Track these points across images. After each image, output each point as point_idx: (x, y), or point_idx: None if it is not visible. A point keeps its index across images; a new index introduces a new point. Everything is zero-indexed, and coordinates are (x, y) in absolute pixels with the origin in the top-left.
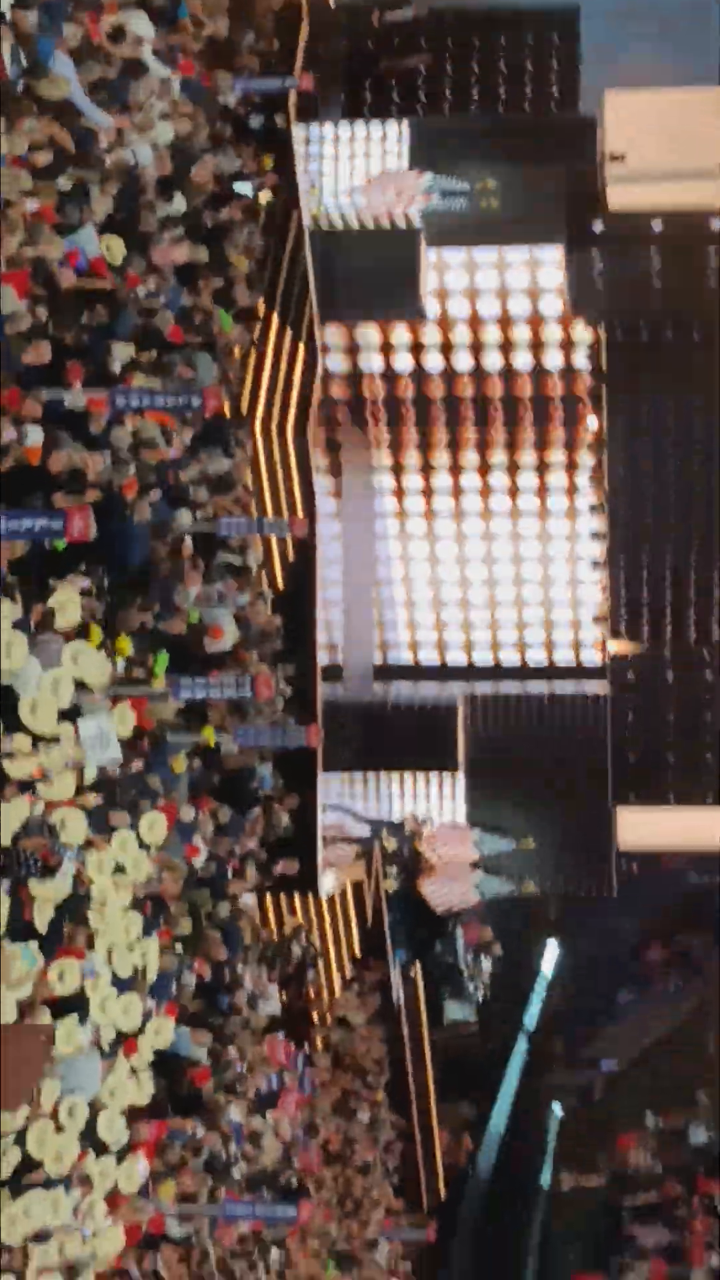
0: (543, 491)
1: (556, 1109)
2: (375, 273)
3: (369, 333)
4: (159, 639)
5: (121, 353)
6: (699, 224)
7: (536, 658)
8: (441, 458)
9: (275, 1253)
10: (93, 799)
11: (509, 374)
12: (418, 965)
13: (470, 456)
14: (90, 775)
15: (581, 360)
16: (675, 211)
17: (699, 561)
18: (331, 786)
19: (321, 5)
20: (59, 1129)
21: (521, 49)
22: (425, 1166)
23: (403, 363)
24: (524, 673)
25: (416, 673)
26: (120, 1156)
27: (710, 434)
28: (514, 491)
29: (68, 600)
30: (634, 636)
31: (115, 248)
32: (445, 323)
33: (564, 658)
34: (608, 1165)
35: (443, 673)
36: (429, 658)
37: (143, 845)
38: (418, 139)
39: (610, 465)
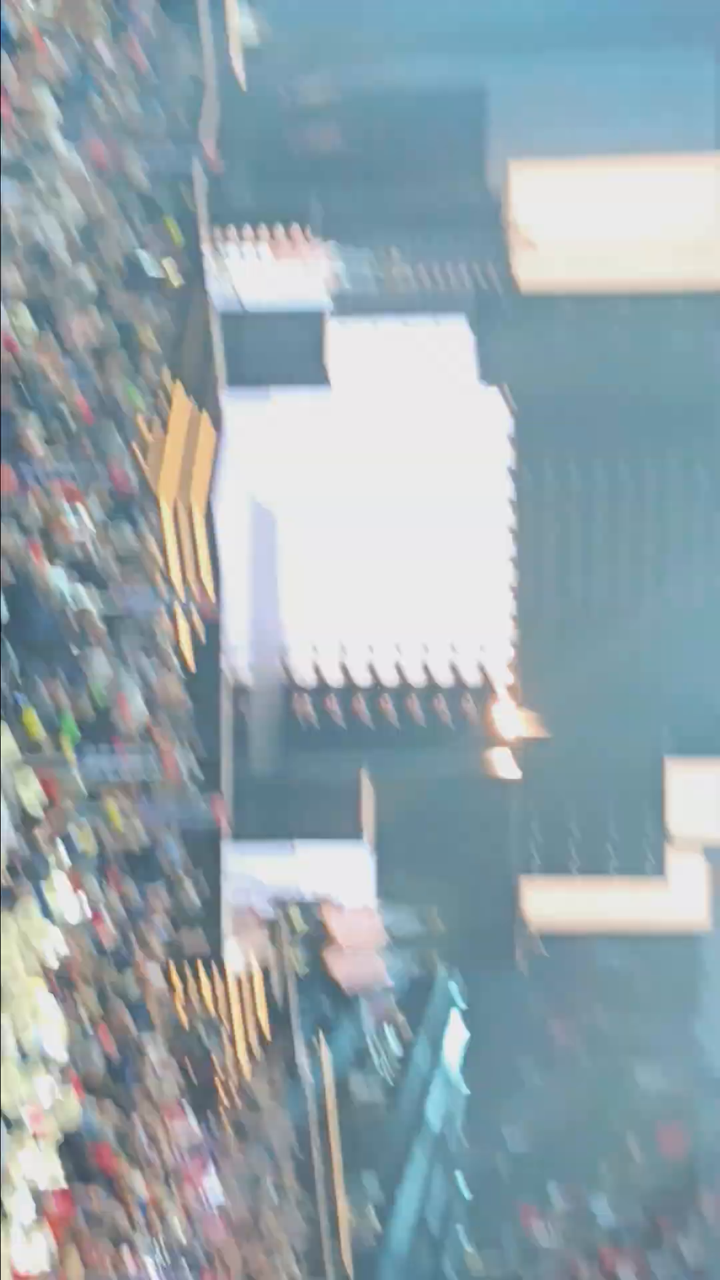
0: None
1: (463, 1187)
2: (282, 346)
3: (278, 406)
4: (68, 715)
5: (32, 428)
6: (605, 297)
7: (449, 732)
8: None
9: None
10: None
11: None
12: (324, 1044)
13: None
14: None
15: (489, 428)
16: (583, 284)
17: (604, 635)
18: (241, 861)
19: (231, 85)
20: None
21: (430, 129)
22: (330, 1243)
23: (313, 435)
24: (436, 745)
25: (329, 745)
26: (26, 1231)
27: (621, 507)
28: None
29: None
30: (541, 712)
31: (23, 321)
32: (352, 393)
33: (476, 733)
34: (514, 1241)
35: (356, 744)
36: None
37: (49, 917)
38: (327, 215)
39: (521, 538)
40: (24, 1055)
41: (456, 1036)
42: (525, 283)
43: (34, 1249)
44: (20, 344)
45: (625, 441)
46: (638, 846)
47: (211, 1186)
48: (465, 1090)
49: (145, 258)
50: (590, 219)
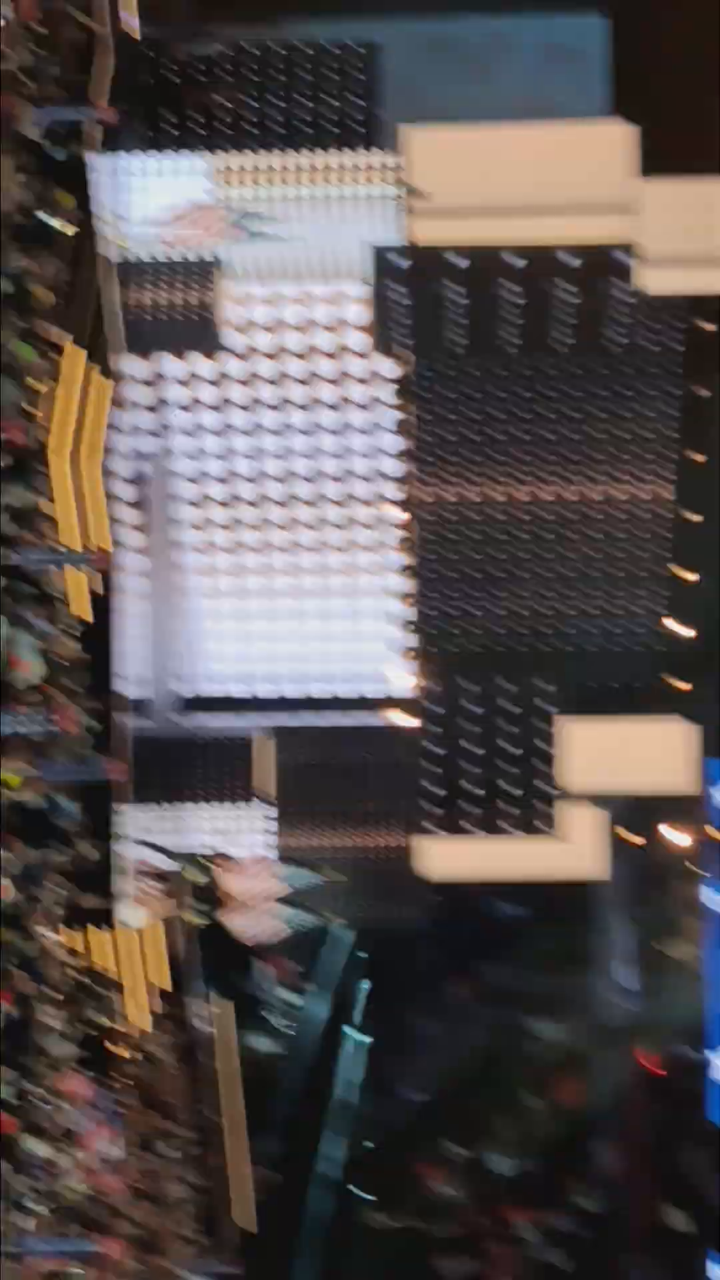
0: (349, 524)
1: (363, 1140)
2: (176, 306)
3: (171, 365)
4: None
5: None
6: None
7: (345, 689)
8: (246, 490)
9: None
10: None
11: (312, 407)
12: (225, 1000)
13: (275, 490)
14: None
15: (386, 392)
16: (476, 246)
17: (503, 589)
18: (137, 820)
19: (126, 38)
20: None
21: (323, 84)
22: (233, 1201)
23: (205, 395)
24: (333, 704)
25: (226, 704)
26: None
27: (516, 460)
28: (320, 525)
29: None
30: (439, 668)
31: None
32: (247, 356)
33: (372, 690)
34: (413, 1194)
35: (253, 704)
36: (239, 689)
37: None
38: (220, 174)
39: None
40: None
41: (355, 989)
42: (420, 242)
43: None
44: None
45: (521, 393)
46: (531, 801)
47: (108, 1145)
48: (364, 1042)
49: (38, 214)
50: (482, 180)
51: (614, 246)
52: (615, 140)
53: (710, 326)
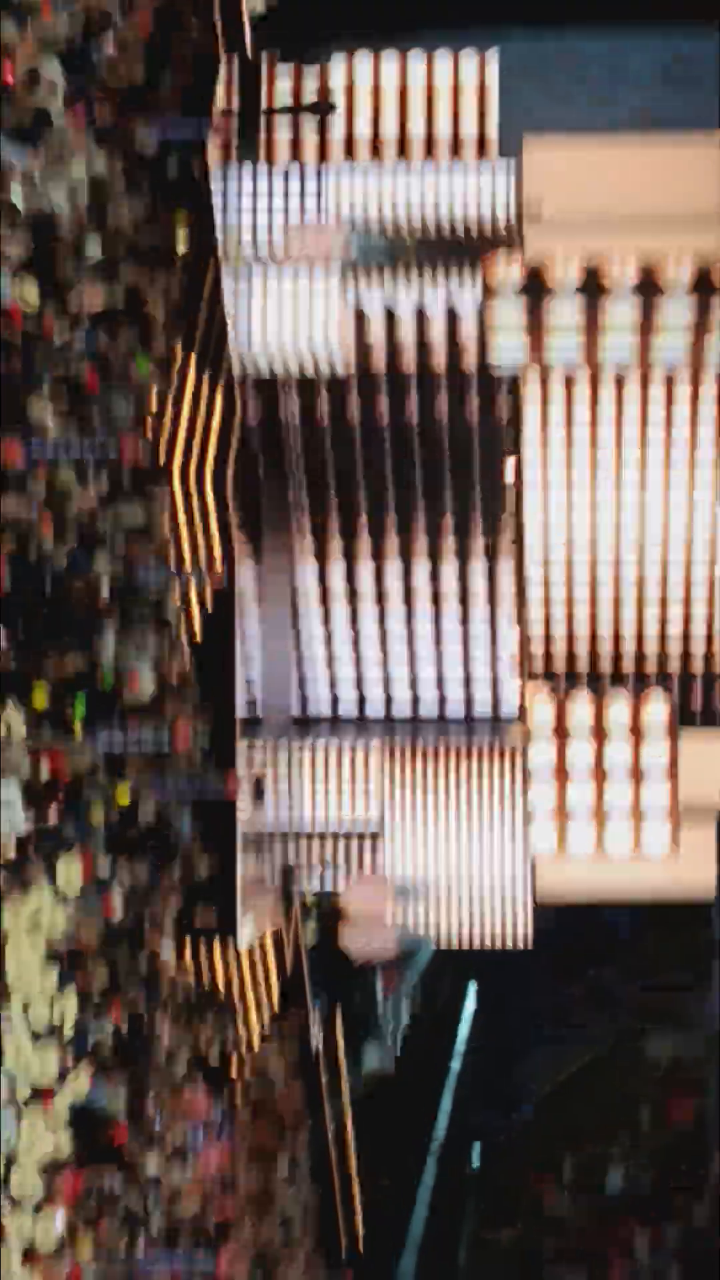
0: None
1: (476, 1156)
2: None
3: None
4: (76, 688)
5: (37, 401)
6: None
7: (454, 710)
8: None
9: None
10: (8, 851)
11: (429, 422)
12: (337, 1014)
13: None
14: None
15: (502, 409)
16: (593, 258)
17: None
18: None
19: (242, 52)
20: None
21: (440, 98)
22: (344, 1216)
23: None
24: (441, 724)
25: (334, 724)
26: (36, 1210)
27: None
28: (436, 551)
29: None
30: (550, 684)
31: (29, 293)
32: (365, 368)
33: (481, 709)
34: (528, 1211)
35: (360, 724)
36: (348, 710)
37: (59, 897)
38: (333, 187)
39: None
40: (34, 1034)
41: (468, 1006)
42: (532, 254)
43: (44, 1229)
44: (25, 314)
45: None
46: (648, 820)
47: (222, 1160)
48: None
49: (155, 228)
50: (599, 193)
51: None
52: None
53: None
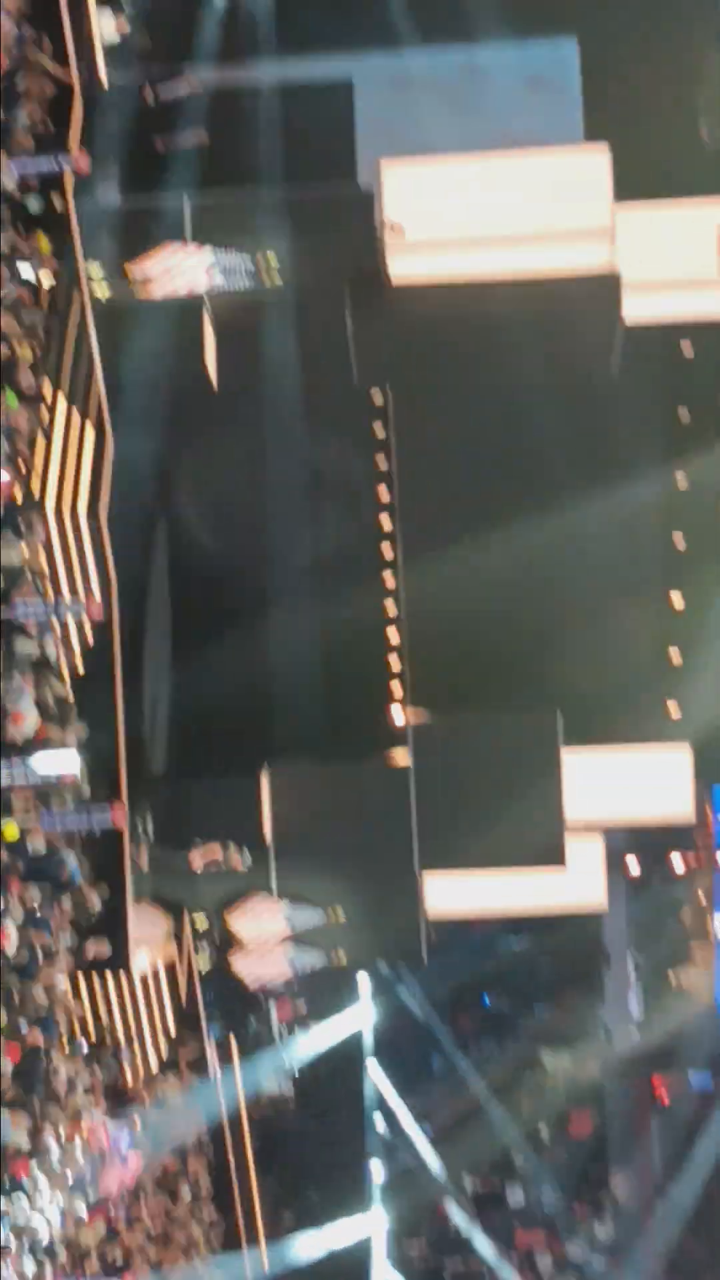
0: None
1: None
2: (161, 348)
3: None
4: None
5: None
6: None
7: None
8: None
9: None
10: None
11: None
12: (233, 1041)
13: None
14: None
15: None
16: (455, 282)
17: (494, 623)
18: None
19: (93, 84)
20: None
21: (296, 123)
22: (247, 1240)
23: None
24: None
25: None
26: None
27: (502, 500)
28: None
29: None
30: (432, 704)
31: None
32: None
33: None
34: (429, 1229)
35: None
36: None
37: None
38: (197, 215)
39: (405, 541)
40: None
41: (364, 1029)
42: (397, 278)
43: None
44: None
45: (507, 430)
46: (536, 835)
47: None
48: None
49: (20, 266)
50: (462, 212)
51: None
52: (592, 165)
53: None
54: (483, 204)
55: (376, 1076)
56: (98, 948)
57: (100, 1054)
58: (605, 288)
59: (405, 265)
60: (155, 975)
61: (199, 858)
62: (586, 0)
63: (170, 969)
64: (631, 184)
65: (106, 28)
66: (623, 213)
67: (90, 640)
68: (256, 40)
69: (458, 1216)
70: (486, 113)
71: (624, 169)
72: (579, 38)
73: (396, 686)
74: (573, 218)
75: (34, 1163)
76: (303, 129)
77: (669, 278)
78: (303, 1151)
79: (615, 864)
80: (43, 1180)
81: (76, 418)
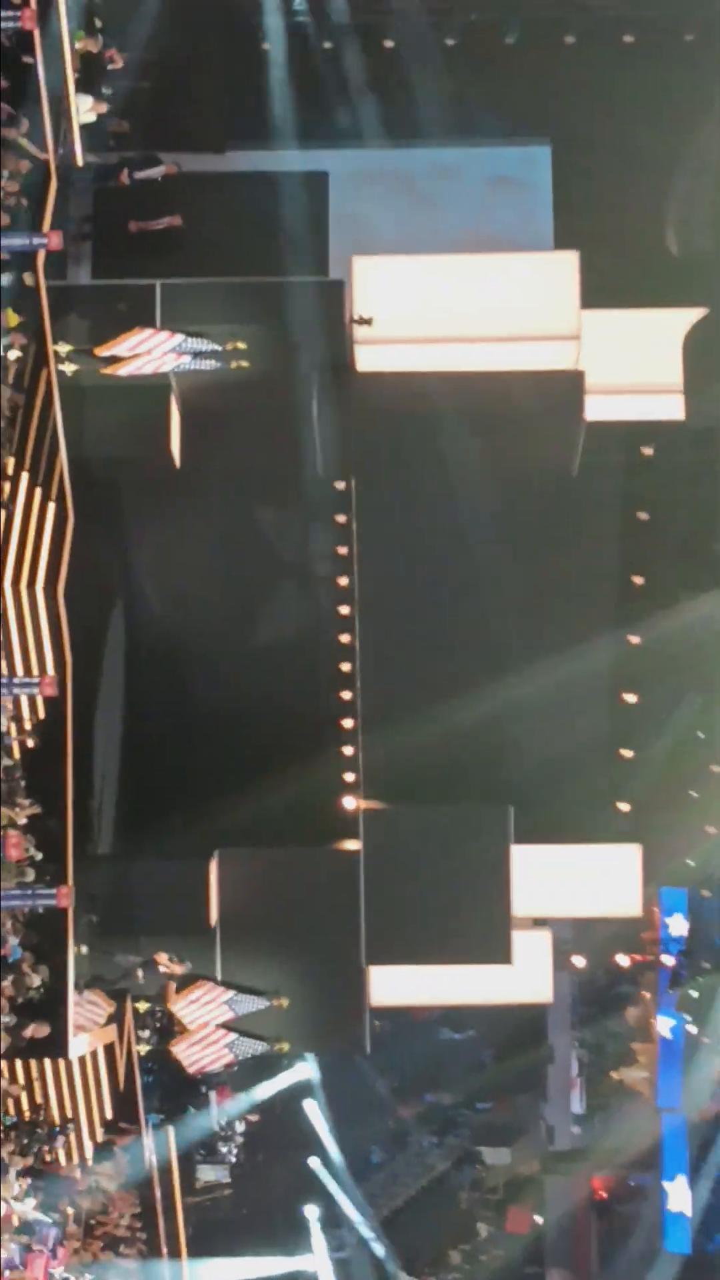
0: None
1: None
2: (125, 427)
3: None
4: None
5: None
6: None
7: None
8: None
9: None
10: None
11: None
12: (170, 1129)
13: None
14: None
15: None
16: (421, 374)
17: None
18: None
19: (69, 164)
20: None
21: (271, 212)
22: None
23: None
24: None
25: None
26: None
27: (461, 594)
28: None
29: None
30: (383, 795)
31: None
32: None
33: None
34: None
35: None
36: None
37: None
38: (168, 298)
39: (363, 630)
40: None
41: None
42: (364, 370)
43: None
44: None
45: (471, 524)
46: (483, 932)
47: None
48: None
49: None
50: (431, 310)
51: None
52: (561, 270)
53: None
54: (452, 303)
55: (315, 1167)
56: (36, 1029)
57: (33, 1135)
58: (569, 384)
59: (372, 357)
60: (94, 1057)
61: (140, 963)
62: (561, 106)
63: (109, 1050)
64: (599, 289)
65: (84, 108)
66: (590, 317)
67: (42, 716)
68: (234, 129)
69: None
70: (459, 211)
71: (592, 274)
72: (552, 142)
73: (349, 775)
74: (540, 321)
75: None
76: (276, 217)
77: (633, 382)
78: (236, 1241)
79: (561, 960)
80: None
81: (38, 494)
